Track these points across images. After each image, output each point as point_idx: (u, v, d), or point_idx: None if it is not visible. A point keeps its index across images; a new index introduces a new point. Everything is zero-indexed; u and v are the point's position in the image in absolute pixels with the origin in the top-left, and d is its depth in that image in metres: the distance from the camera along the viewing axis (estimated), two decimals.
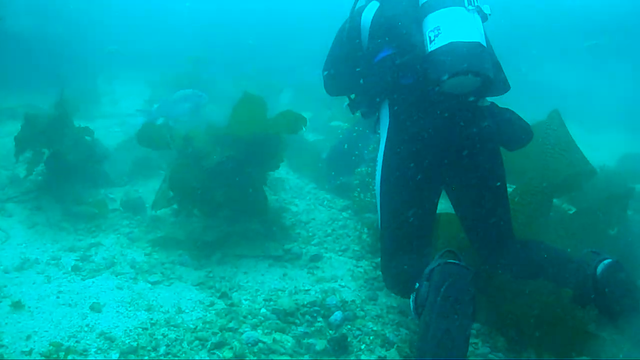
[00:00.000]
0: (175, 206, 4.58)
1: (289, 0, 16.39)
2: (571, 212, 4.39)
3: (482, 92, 3.09)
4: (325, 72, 3.62)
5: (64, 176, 5.15)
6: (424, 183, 3.18)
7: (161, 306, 3.56)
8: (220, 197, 4.32)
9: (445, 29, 2.98)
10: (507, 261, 3.23)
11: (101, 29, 12.00)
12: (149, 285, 3.84)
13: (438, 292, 2.63)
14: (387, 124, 3.28)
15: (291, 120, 4.55)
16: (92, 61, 10.78)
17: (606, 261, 2.94)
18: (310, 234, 4.78)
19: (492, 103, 3.26)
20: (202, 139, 4.51)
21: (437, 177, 3.22)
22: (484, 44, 3.02)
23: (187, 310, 3.52)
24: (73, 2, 11.32)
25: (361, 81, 3.41)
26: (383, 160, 3.28)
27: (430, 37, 3.01)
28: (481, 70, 2.92)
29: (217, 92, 8.86)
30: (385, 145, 3.28)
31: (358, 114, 3.61)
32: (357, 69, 3.42)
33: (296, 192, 5.82)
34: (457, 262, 2.75)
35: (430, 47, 2.99)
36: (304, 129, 4.61)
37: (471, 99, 3.05)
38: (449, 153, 3.12)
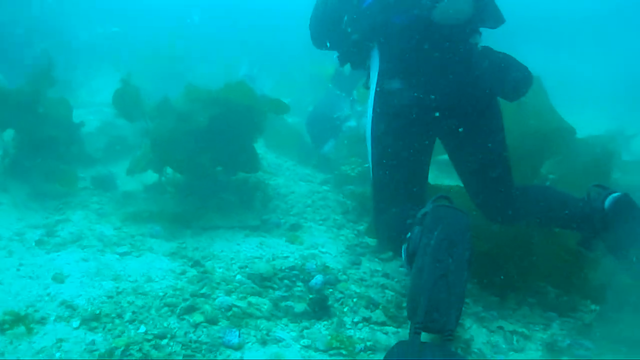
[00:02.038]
0: (151, 171, 4.35)
1: None
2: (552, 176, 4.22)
3: (476, 22, 2.93)
4: (312, 28, 3.45)
5: (32, 155, 4.88)
6: (416, 133, 3.00)
7: (129, 276, 3.32)
8: (208, 158, 4.11)
9: None
10: (510, 211, 3.06)
11: (76, 21, 11.69)
12: (117, 256, 3.60)
13: (432, 235, 2.43)
14: (377, 71, 3.08)
15: (277, 105, 4.54)
16: (68, 53, 10.52)
17: (614, 194, 2.77)
18: (289, 205, 4.57)
19: (487, 47, 3.08)
20: (183, 103, 4.29)
21: (431, 125, 3.02)
22: None
23: (156, 279, 3.28)
24: None
25: (349, 29, 3.21)
26: (373, 109, 3.09)
27: None
28: None
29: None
30: (375, 95, 3.08)
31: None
32: (345, 20, 3.24)
33: (275, 169, 5.61)
34: (451, 205, 2.57)
35: None
36: None
37: (463, 28, 2.87)
38: (442, 99, 2.94)
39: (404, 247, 2.62)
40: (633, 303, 2.79)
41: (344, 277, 3.34)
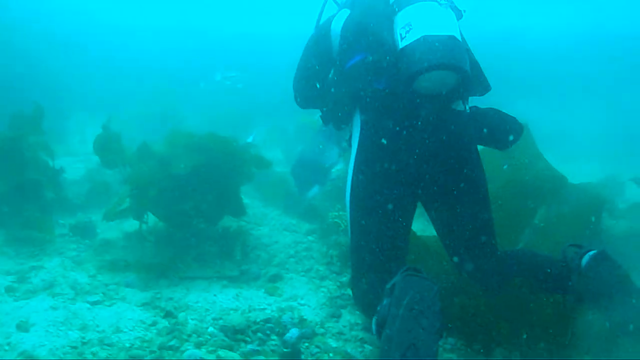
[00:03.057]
0: (132, 219, 4.24)
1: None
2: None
3: (459, 92, 2.83)
4: (295, 86, 3.36)
5: (10, 200, 4.78)
6: (398, 198, 2.88)
7: (97, 326, 3.18)
8: (189, 203, 3.99)
9: (417, 24, 2.72)
10: (491, 278, 2.92)
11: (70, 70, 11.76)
12: (88, 305, 3.45)
13: (400, 305, 2.30)
14: (358, 134, 2.99)
15: (258, 160, 4.55)
16: (62, 102, 10.57)
17: (591, 252, 2.65)
18: (271, 255, 4.43)
19: (474, 106, 3.01)
20: (165, 147, 4.22)
21: (412, 191, 2.92)
22: (459, 38, 2.78)
23: (125, 330, 3.14)
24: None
25: (332, 90, 3.14)
26: (353, 173, 2.98)
27: (401, 35, 2.77)
28: (456, 63, 2.66)
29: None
30: (356, 157, 2.97)
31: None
32: (328, 78, 3.18)
33: (260, 218, 5.49)
34: (420, 274, 2.45)
35: (401, 44, 2.75)
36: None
37: (446, 97, 2.79)
38: (424, 166, 2.84)
39: (374, 319, 2.50)
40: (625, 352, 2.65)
41: (322, 330, 3.20)
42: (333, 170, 5.81)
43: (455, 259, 3.03)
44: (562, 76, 13.78)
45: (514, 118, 3.00)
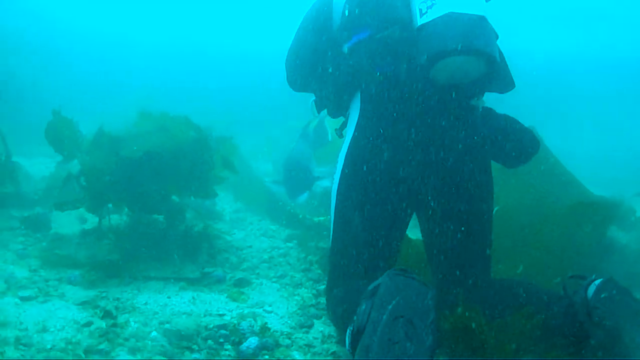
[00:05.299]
0: (83, 209, 3.76)
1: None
2: None
3: (483, 84, 2.40)
4: (288, 64, 2.90)
5: None
6: (389, 200, 2.43)
7: (21, 323, 2.65)
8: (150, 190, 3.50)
9: None
10: (483, 307, 2.41)
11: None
12: (17, 300, 2.94)
13: (384, 310, 1.80)
14: (355, 123, 2.53)
15: (225, 159, 4.08)
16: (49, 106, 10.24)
17: (597, 282, 2.17)
18: (240, 259, 3.90)
19: (489, 108, 2.55)
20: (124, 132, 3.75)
21: (407, 195, 2.45)
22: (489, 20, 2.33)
23: (52, 329, 2.62)
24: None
25: (330, 70, 2.67)
26: (343, 167, 2.52)
27: (421, 10, 2.32)
28: (486, 49, 2.23)
29: None
30: (348, 149, 2.53)
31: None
32: (327, 56, 2.71)
33: (237, 223, 4.99)
34: (412, 276, 1.95)
35: (421, 21, 2.30)
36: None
37: (465, 89, 2.37)
38: (425, 167, 2.40)
39: (348, 330, 1.99)
40: None
41: (287, 341, 2.67)
42: (319, 184, 5.39)
43: (440, 281, 2.54)
44: (561, 99, 13.71)
45: (531, 130, 2.53)
